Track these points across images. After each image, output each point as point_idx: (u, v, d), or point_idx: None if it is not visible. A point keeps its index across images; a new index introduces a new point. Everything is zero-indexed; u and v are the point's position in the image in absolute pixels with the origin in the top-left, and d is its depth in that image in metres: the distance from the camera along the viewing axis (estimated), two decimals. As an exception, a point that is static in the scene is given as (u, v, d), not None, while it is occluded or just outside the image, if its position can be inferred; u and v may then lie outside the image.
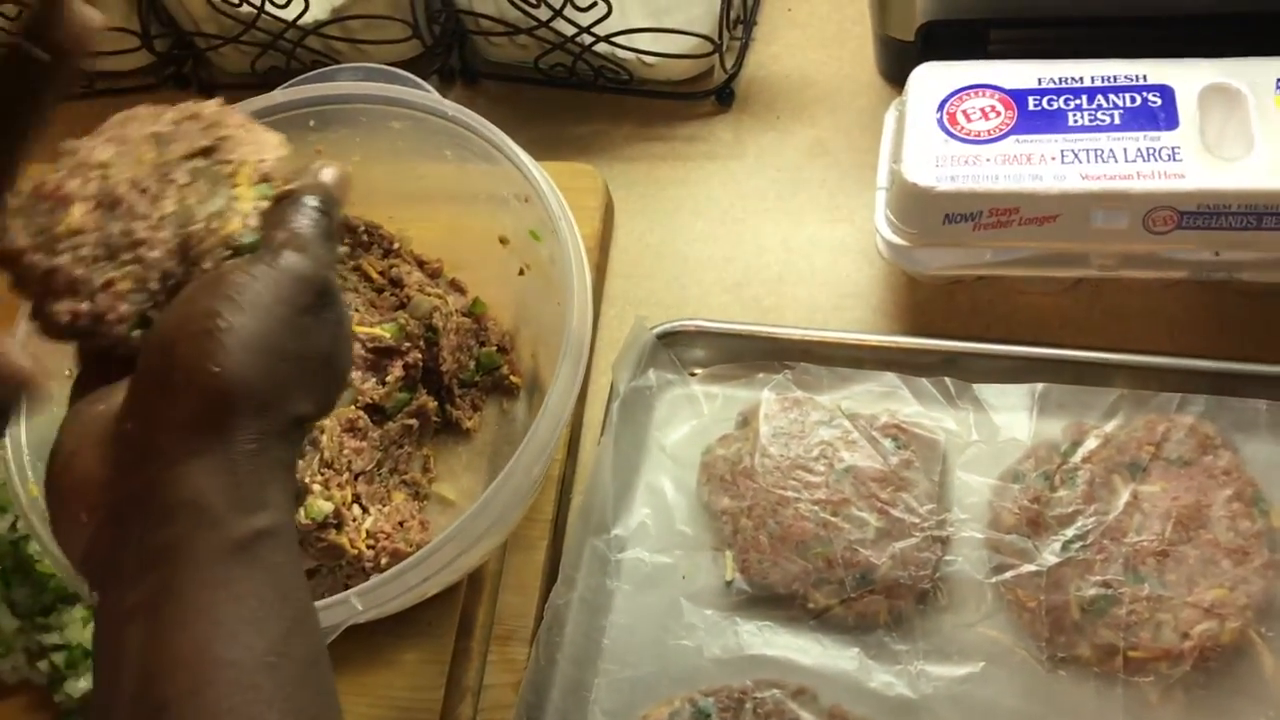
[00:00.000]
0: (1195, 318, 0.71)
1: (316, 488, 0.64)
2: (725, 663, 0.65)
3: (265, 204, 0.45)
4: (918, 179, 0.66)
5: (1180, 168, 0.64)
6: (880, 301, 0.75)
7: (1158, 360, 0.68)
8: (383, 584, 0.55)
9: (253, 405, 0.40)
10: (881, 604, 0.64)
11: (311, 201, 0.45)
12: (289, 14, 0.82)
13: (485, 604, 0.67)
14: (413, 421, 0.69)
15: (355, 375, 0.68)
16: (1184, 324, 0.71)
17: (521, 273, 0.72)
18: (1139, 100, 0.67)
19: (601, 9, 0.78)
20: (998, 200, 0.66)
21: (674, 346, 0.74)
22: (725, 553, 0.67)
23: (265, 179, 0.46)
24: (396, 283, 0.71)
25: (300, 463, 0.65)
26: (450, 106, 0.67)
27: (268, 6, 0.82)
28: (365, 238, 0.72)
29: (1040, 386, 0.68)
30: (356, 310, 0.69)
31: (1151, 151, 0.65)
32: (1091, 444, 0.66)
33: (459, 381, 0.71)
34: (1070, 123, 0.67)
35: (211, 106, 0.47)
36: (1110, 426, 0.66)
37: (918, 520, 0.65)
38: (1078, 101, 0.68)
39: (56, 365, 0.50)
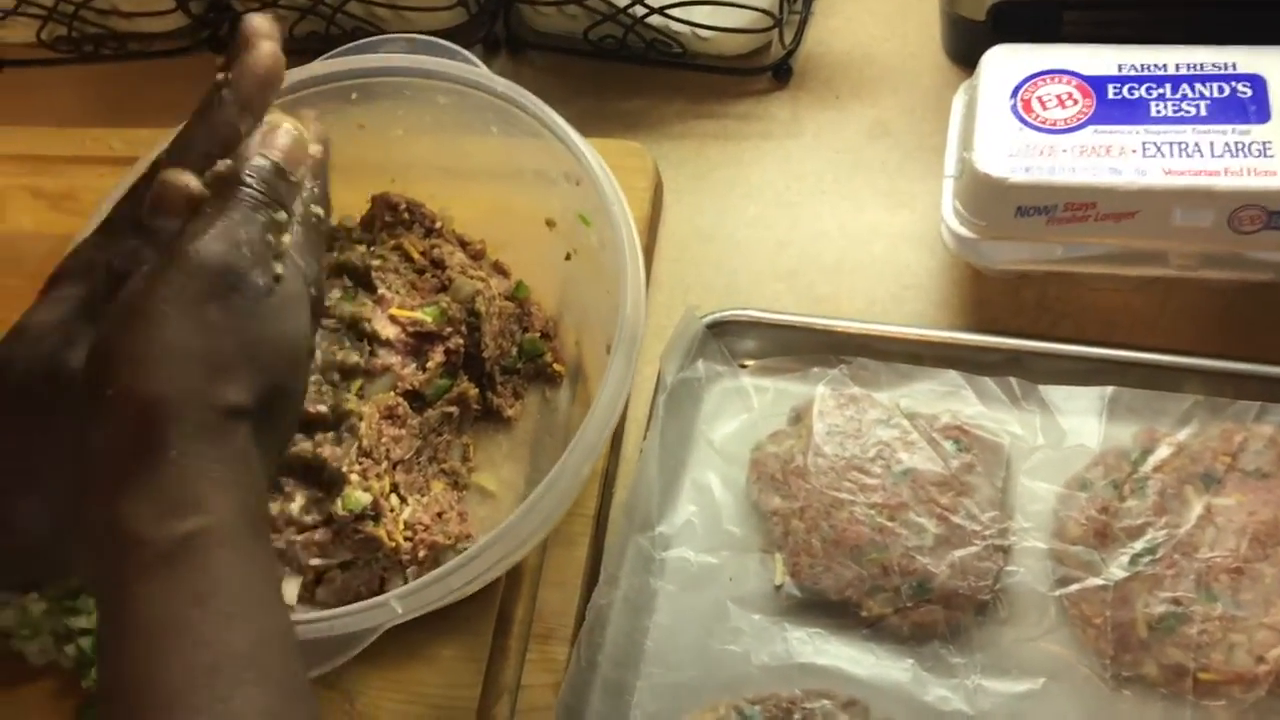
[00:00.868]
0: (1275, 322, 0.67)
1: (354, 478, 0.62)
2: (773, 670, 0.62)
3: None
4: (990, 169, 0.63)
5: (1271, 164, 0.60)
6: (942, 295, 0.72)
7: (1235, 366, 0.64)
8: (423, 587, 0.53)
9: (159, 414, 0.40)
10: (939, 614, 0.62)
11: (244, 175, 0.43)
12: (330, -22, 0.79)
13: (524, 601, 0.65)
14: (453, 409, 0.67)
15: (395, 360, 0.65)
16: (1263, 328, 0.67)
17: (568, 257, 0.69)
18: (1227, 90, 0.63)
19: (657, -20, 0.75)
20: (1074, 194, 0.62)
21: (724, 337, 0.71)
22: (775, 555, 0.64)
23: None
24: (438, 264, 0.68)
25: (338, 450, 0.62)
26: (500, 83, 0.64)
27: (308, -30, 0.79)
28: (407, 216, 0.69)
29: (1110, 390, 0.65)
30: (397, 293, 0.67)
31: (1240, 146, 0.61)
32: (1164, 452, 0.62)
33: (500, 368, 0.69)
34: (1152, 113, 0.64)
35: None
36: (1184, 435, 0.63)
37: (979, 528, 0.62)
38: (1161, 91, 0.64)
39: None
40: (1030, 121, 0.64)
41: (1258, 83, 0.63)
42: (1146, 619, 0.59)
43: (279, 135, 0.45)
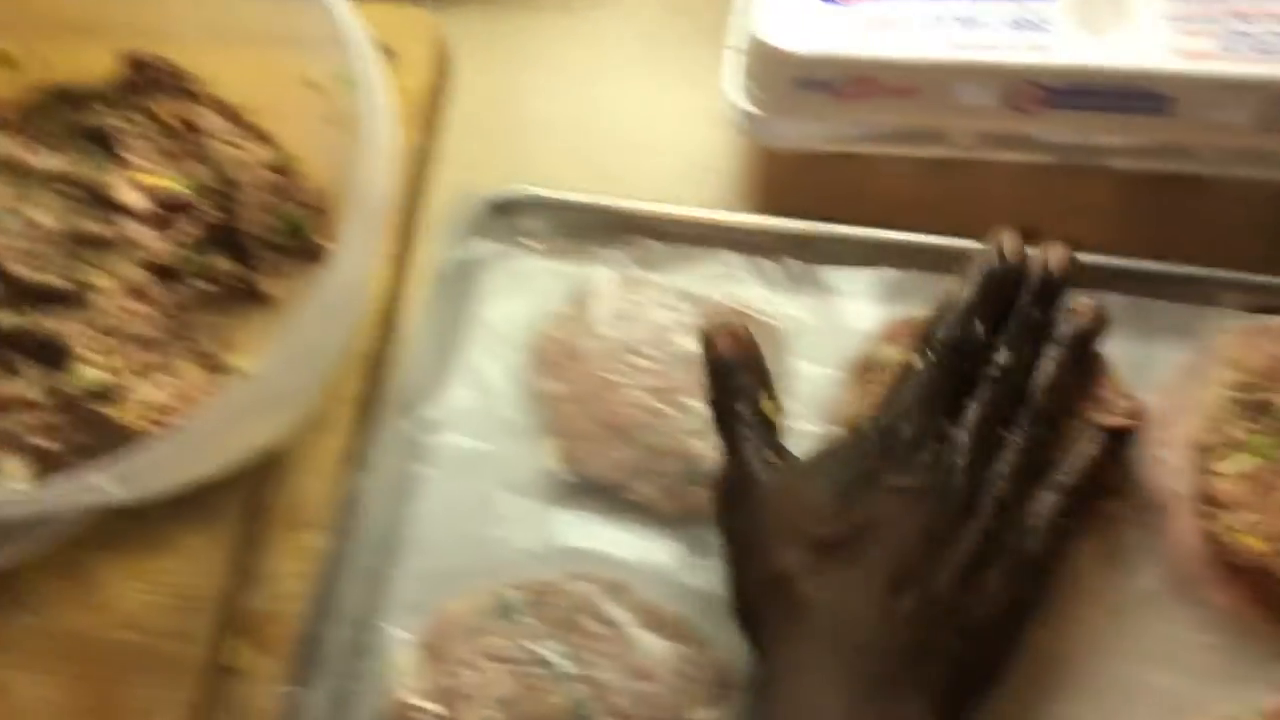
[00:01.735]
0: (1060, 207, 0.66)
1: (91, 355, 0.58)
2: (537, 555, 0.60)
3: None
4: (771, 38, 0.60)
5: (1049, 39, 0.58)
6: (735, 177, 0.69)
7: (1017, 250, 0.64)
8: (134, 462, 0.49)
9: None
10: (706, 497, 0.60)
11: None
12: None
13: (277, 488, 0.61)
14: (208, 286, 0.63)
15: (141, 231, 0.61)
16: (1047, 212, 0.66)
17: (335, 126, 0.64)
18: (1013, -37, 0.62)
19: None
20: (858, 68, 0.60)
21: (508, 216, 0.67)
22: (547, 439, 0.63)
23: None
24: (192, 129, 0.63)
25: (75, 326, 0.58)
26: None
27: None
28: (159, 77, 0.64)
29: (890, 272, 0.64)
30: (146, 159, 0.62)
31: (1021, 21, 0.59)
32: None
33: (263, 244, 0.64)
34: (936, -15, 0.62)
35: None
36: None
37: (751, 411, 0.61)
38: (947, -38, 0.62)
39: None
40: (816, -9, 0.62)
41: (1043, -44, 0.61)
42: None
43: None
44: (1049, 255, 0.56)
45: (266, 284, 0.64)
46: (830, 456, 0.53)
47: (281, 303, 0.65)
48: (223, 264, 0.63)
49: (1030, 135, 0.61)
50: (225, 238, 0.63)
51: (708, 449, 0.60)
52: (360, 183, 0.53)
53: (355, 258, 0.52)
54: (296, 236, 0.65)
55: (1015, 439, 0.53)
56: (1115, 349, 0.61)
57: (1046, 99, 0.59)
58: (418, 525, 0.61)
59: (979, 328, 0.54)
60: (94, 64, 0.64)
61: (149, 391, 0.59)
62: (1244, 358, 0.59)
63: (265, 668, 0.58)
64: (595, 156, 0.71)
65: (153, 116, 0.63)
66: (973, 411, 0.53)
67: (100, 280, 0.59)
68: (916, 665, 0.49)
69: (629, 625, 0.58)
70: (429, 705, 0.57)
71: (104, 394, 0.57)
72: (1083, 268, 0.57)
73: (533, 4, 0.76)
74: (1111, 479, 0.57)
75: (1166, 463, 0.59)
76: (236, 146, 0.63)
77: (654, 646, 0.58)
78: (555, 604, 0.58)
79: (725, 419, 0.55)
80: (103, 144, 0.62)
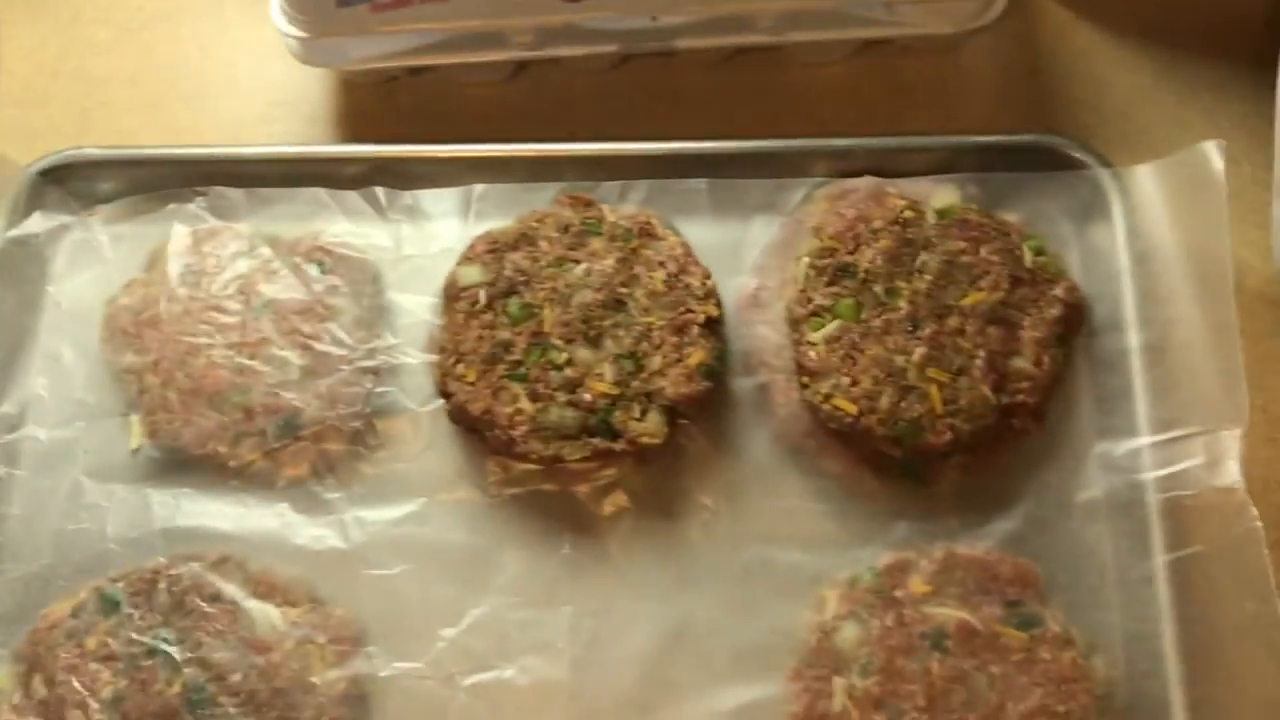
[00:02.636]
0: (647, 98, 0.65)
1: None
2: (134, 541, 0.56)
3: None
4: (296, -44, 0.57)
5: (584, -77, 0.57)
6: (314, 109, 0.65)
7: (601, 148, 0.61)
8: None
9: None
10: (309, 450, 0.57)
11: None
12: None
13: None
14: None
15: None
16: (635, 105, 0.65)
17: None
18: None
19: None
20: (390, -26, 0.57)
21: (68, 182, 0.62)
22: (131, 417, 0.58)
23: None
24: None
25: None
26: None
27: None
28: None
29: (478, 188, 0.61)
30: None
31: (554, -94, 0.57)
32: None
33: None
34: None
35: None
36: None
37: (345, 352, 0.58)
38: None
39: None
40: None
41: None
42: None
43: None
44: None
45: None
46: None
47: None
48: None
49: (586, 25, 0.59)
50: None
51: (302, 400, 0.57)
52: None
53: None
54: None
55: None
56: (713, 234, 0.61)
57: (592, -15, 0.57)
58: (4, 531, 0.57)
59: None
60: None
61: None
62: (825, 224, 0.59)
63: None
64: (163, 107, 0.66)
65: None
66: None
67: None
68: None
69: (242, 599, 0.54)
70: (33, 720, 0.53)
71: None
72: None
73: (77, -50, 0.69)
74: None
75: (767, 339, 0.59)
76: None
77: (270, 616, 0.54)
78: (161, 590, 0.55)
79: None
80: None
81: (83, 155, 0.62)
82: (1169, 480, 0.55)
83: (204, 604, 0.54)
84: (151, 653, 0.54)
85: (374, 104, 0.65)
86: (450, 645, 0.54)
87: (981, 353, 0.56)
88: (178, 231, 0.61)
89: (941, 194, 0.60)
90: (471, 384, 0.56)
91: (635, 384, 0.56)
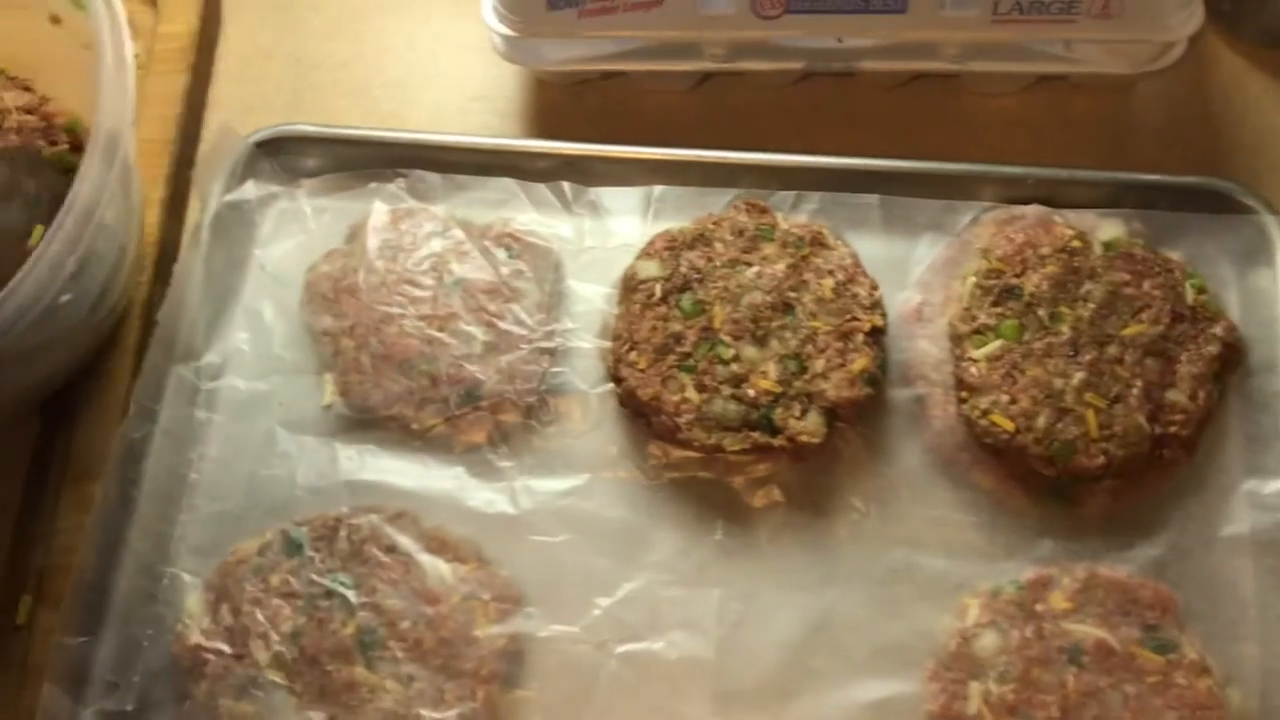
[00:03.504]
0: (824, 115, 0.68)
1: None
2: (320, 490, 0.60)
3: None
4: (516, -40, 0.61)
5: (785, -54, 0.60)
6: (507, 105, 0.70)
7: (778, 158, 0.64)
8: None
9: None
10: (487, 420, 0.61)
11: None
12: None
13: (60, 443, 0.61)
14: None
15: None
16: (812, 121, 0.68)
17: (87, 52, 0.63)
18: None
19: None
20: (601, -17, 0.61)
21: (279, 155, 0.67)
22: (326, 376, 0.63)
23: None
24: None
25: None
26: None
27: None
28: None
29: (657, 189, 0.65)
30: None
31: (757, -72, 0.61)
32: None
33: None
34: (684, -102, 0.62)
35: None
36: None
37: (526, 332, 0.62)
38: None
39: None
40: (560, -90, 0.62)
41: None
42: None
43: None
44: None
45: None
46: None
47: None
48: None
49: (777, 42, 0.62)
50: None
51: (484, 373, 0.61)
52: (98, 115, 0.52)
53: (90, 191, 0.51)
54: (65, 175, 0.63)
55: None
56: (880, 248, 0.63)
57: (788, 4, 0.60)
58: (202, 470, 0.61)
59: None
60: None
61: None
62: (994, 246, 0.62)
63: (51, 622, 0.58)
64: (368, 93, 0.70)
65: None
66: None
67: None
68: None
69: (415, 552, 0.58)
70: (219, 646, 0.57)
71: None
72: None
73: (299, -55, 0.75)
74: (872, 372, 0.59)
75: (927, 352, 0.62)
76: None
77: (440, 570, 0.58)
78: (341, 537, 0.59)
79: None
80: None
81: (296, 130, 0.67)
82: (1316, 521, 0.56)
83: (380, 553, 0.59)
84: (329, 594, 0.58)
85: (564, 104, 0.69)
86: (604, 614, 0.58)
87: (1139, 382, 0.57)
88: (378, 209, 0.65)
89: (1107, 227, 0.62)
90: (642, 371, 0.59)
91: (798, 384, 0.58)
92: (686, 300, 0.60)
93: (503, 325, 0.62)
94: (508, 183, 0.66)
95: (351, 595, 0.58)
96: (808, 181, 0.64)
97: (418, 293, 0.63)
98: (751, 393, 0.58)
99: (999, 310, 0.60)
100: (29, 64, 0.65)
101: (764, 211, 0.62)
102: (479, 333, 0.62)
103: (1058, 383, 0.57)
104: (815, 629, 0.57)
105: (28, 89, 0.65)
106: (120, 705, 0.57)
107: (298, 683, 0.56)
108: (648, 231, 0.63)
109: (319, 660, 0.57)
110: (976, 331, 0.59)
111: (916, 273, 0.63)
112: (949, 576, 0.58)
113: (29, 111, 0.64)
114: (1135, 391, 0.57)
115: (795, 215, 0.63)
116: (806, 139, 0.67)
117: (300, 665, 0.56)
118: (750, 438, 0.58)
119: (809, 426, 0.58)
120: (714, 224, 0.62)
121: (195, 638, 0.58)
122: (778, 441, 0.58)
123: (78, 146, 0.64)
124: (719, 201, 0.64)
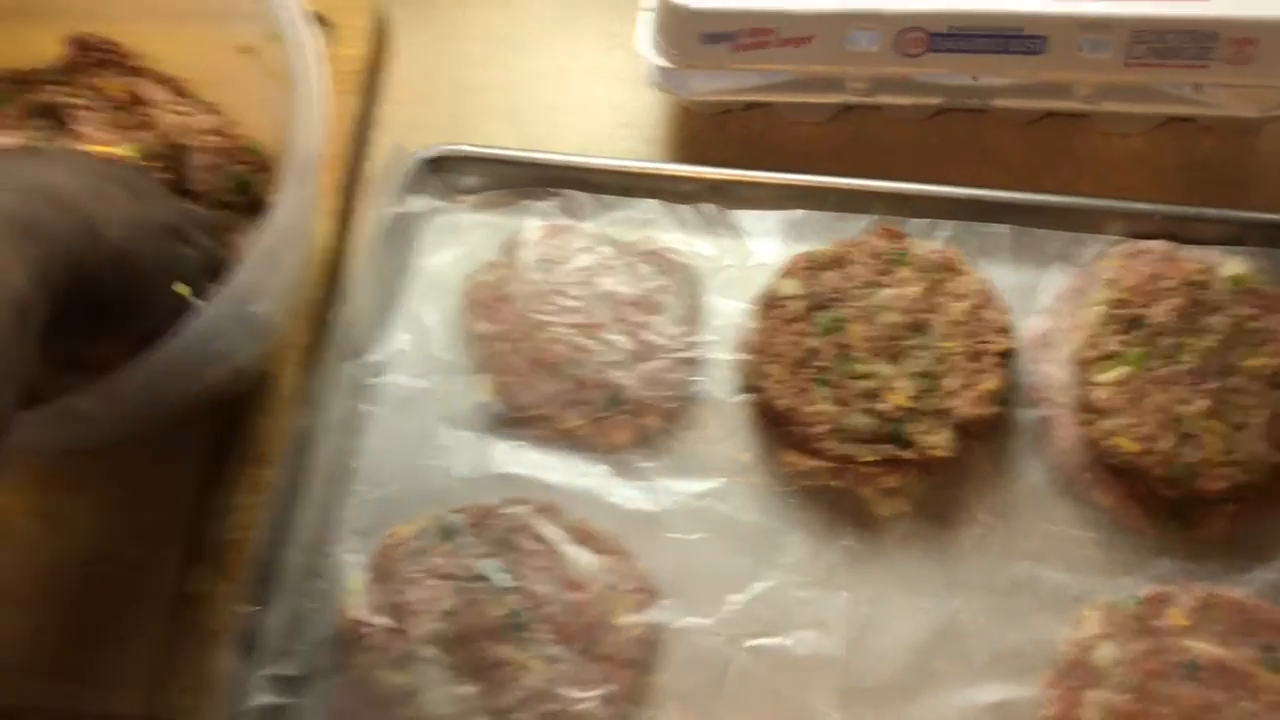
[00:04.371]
0: (956, 148, 0.71)
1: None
2: (475, 481, 0.65)
3: None
4: (677, -3, 0.65)
5: (930, -12, 0.64)
6: (654, 132, 0.74)
7: (912, 187, 0.68)
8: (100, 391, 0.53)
9: None
10: (629, 423, 0.65)
11: None
12: None
13: (236, 427, 0.66)
14: (162, 243, 0.67)
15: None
16: (945, 154, 0.71)
17: (274, 83, 0.68)
18: (896, -82, 0.66)
19: None
20: (754, 19, 0.65)
21: (442, 173, 0.72)
22: (482, 376, 0.67)
23: None
24: (140, 101, 0.67)
25: None
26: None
27: None
28: (105, 56, 0.68)
29: (797, 213, 0.68)
30: (98, 131, 0.66)
31: (904, -29, 0.64)
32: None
33: (213, 202, 0.69)
34: (825, -59, 0.66)
35: None
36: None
37: (667, 343, 0.66)
38: (842, -79, 0.67)
39: None
40: (716, -49, 0.67)
41: (923, -89, 0.66)
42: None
43: None
44: None
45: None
46: None
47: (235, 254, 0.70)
48: (176, 223, 0.67)
49: (918, 79, 0.66)
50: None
51: (627, 379, 0.65)
52: (294, 138, 0.57)
53: (290, 210, 0.57)
54: (244, 193, 0.69)
55: None
56: (1010, 276, 0.67)
57: (930, 43, 0.64)
58: (365, 458, 0.66)
59: None
60: (41, 49, 0.68)
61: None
62: (1121, 278, 0.65)
63: (226, 592, 0.63)
64: (521, 117, 0.75)
65: (100, 92, 0.67)
66: None
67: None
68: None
69: (561, 542, 0.63)
70: (379, 620, 0.62)
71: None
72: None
73: (463, -25, 0.80)
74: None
75: (1053, 376, 0.64)
76: (180, 114, 0.67)
77: (584, 560, 0.62)
78: (493, 525, 0.63)
79: None
80: (56, 120, 0.66)
81: (458, 150, 0.72)
82: None
83: (529, 542, 0.63)
84: (481, 577, 0.62)
85: (707, 132, 0.73)
86: (736, 610, 0.61)
87: (1262, 412, 0.60)
88: (532, 224, 0.70)
89: (1232, 263, 0.65)
90: (780, 383, 0.63)
91: (930, 401, 0.62)
92: (824, 318, 0.64)
93: (646, 336, 0.66)
94: (653, 204, 0.70)
95: (502, 579, 0.62)
96: (939, 210, 0.68)
97: (568, 303, 0.67)
98: (885, 407, 0.61)
99: (1124, 338, 0.62)
100: (216, 88, 0.71)
101: (899, 237, 0.66)
102: (624, 342, 0.66)
103: (1181, 409, 0.60)
104: (938, 633, 0.60)
105: (215, 112, 0.71)
106: (288, 670, 0.61)
107: (451, 658, 0.61)
108: (785, 253, 0.67)
109: (470, 638, 0.61)
110: (1103, 358, 0.62)
111: (1044, 300, 0.66)
112: (1069, 589, 0.61)
113: (216, 133, 0.69)
114: (1258, 420, 0.60)
115: (929, 242, 0.66)
116: (937, 171, 0.70)
117: (453, 642, 0.61)
118: (882, 450, 0.61)
119: (940, 441, 0.61)
120: (852, 247, 0.65)
121: (357, 612, 0.62)
122: (908, 455, 0.61)
123: (260, 167, 0.70)
124: (854, 227, 0.68)
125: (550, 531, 0.63)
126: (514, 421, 0.66)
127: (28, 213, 0.48)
